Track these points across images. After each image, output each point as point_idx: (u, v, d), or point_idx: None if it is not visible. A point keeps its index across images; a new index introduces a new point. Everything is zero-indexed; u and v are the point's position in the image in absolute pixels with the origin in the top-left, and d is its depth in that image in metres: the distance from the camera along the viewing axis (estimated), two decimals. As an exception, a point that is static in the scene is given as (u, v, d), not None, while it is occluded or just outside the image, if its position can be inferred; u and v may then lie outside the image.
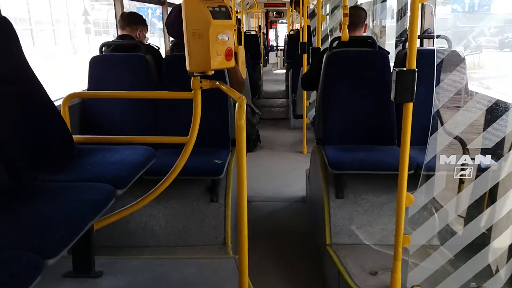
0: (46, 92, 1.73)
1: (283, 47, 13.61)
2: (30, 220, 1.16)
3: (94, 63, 2.78)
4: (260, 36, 9.98)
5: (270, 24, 16.75)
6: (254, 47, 8.68)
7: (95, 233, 1.81)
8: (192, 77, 1.77)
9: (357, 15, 2.99)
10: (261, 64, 9.43)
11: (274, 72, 13.54)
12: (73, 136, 1.83)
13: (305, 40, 4.99)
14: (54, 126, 1.71)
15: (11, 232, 1.10)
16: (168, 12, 2.93)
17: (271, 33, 17.10)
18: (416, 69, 1.68)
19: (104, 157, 1.69)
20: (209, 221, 2.50)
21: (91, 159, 1.69)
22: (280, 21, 16.87)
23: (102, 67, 2.77)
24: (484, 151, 2.06)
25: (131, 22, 2.95)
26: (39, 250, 1.01)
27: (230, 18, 1.69)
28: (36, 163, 1.56)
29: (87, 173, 1.56)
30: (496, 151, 2.13)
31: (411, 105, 1.72)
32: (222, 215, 2.50)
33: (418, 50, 1.71)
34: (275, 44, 16.76)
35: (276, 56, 14.95)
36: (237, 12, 7.87)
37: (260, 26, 11.16)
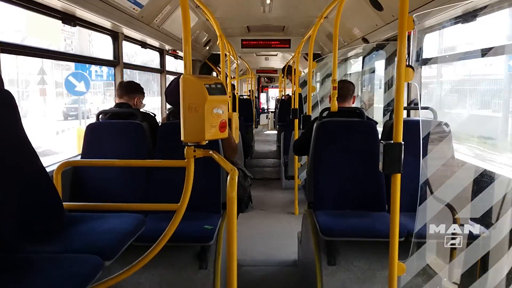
0: (40, 161, 1.76)
1: (273, 110, 14.07)
2: None
3: (90, 130, 2.84)
4: (253, 100, 10.32)
5: (262, 88, 17.46)
6: (248, 110, 8.95)
7: None
8: (186, 146, 1.82)
9: (345, 88, 3.16)
10: (253, 126, 9.67)
11: (264, 133, 13.83)
12: (64, 203, 1.84)
13: (297, 106, 5.18)
14: (46, 195, 1.73)
15: None
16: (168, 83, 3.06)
17: (262, 97, 17.76)
18: (403, 142, 1.74)
19: (94, 225, 1.69)
20: None
21: (81, 227, 1.69)
22: (271, 85, 17.61)
23: (98, 134, 2.83)
24: (473, 220, 2.09)
25: (129, 91, 3.06)
26: None
27: (225, 93, 1.78)
28: (25, 232, 1.55)
29: (76, 243, 1.55)
30: (485, 219, 2.17)
31: (399, 176, 1.77)
32: (211, 283, 2.44)
33: (404, 121, 1.79)
34: (265, 107, 17.35)
35: (266, 118, 15.38)
36: (232, 78, 8.22)
37: (252, 90, 11.57)
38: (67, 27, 2.80)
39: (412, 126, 2.37)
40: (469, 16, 2.89)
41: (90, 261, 1.37)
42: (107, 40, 3.44)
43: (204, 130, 1.71)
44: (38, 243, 1.53)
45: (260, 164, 7.99)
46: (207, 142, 1.78)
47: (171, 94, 2.87)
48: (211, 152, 1.84)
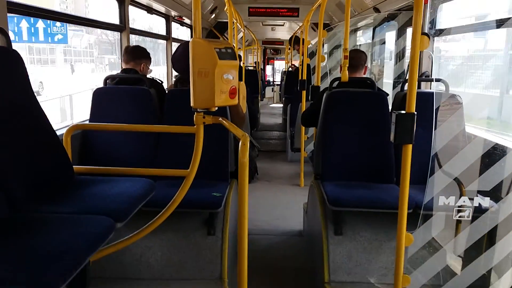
0: (49, 123, 1.75)
1: (279, 83, 13.91)
2: (27, 255, 1.14)
3: (98, 95, 2.81)
4: (258, 71, 10.19)
5: (267, 60, 17.20)
6: (253, 82, 8.85)
7: (90, 264, 1.78)
8: (195, 112, 1.79)
9: (357, 58, 3.08)
10: (259, 98, 9.60)
11: (270, 105, 13.75)
12: (74, 166, 1.84)
13: (305, 78, 5.10)
14: (56, 157, 1.72)
15: (8, 266, 1.09)
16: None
17: (268, 69, 17.53)
18: (416, 112, 1.71)
19: (104, 189, 1.69)
20: (206, 255, 2.46)
21: (91, 190, 1.69)
22: (276, 57, 17.34)
23: (105, 99, 2.80)
24: (482, 193, 2.08)
25: (136, 56, 3.01)
26: (37, 286, 1.00)
27: (235, 59, 1.73)
28: (36, 193, 1.56)
29: (86, 205, 1.55)
30: (495, 193, 2.15)
31: (410, 146, 1.75)
32: (219, 249, 2.46)
33: (417, 93, 1.75)
34: (271, 80, 17.14)
35: (272, 91, 15.24)
36: (239, 48, 8.08)
37: (258, 62, 11.42)
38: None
39: (424, 98, 2.33)
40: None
41: (103, 222, 1.38)
42: (104, 4, 3.32)
43: (214, 96, 1.67)
44: (48, 204, 1.53)
45: (265, 137, 7.97)
46: (216, 108, 1.75)
47: (178, 60, 2.81)
48: (221, 118, 1.81)
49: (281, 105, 10.43)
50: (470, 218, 2.00)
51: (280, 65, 17.13)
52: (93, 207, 1.52)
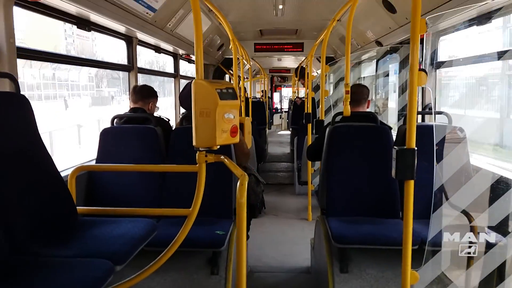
0: (54, 165, 1.79)
1: (287, 110, 14.00)
2: None
3: (105, 134, 2.88)
4: (265, 101, 10.30)
5: (275, 88, 17.37)
6: (260, 113, 8.93)
7: None
8: (198, 151, 1.82)
9: (359, 92, 3.12)
10: (266, 128, 9.65)
11: (278, 133, 13.78)
12: (78, 208, 1.86)
13: (310, 111, 5.16)
14: (60, 199, 1.75)
15: None
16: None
17: (276, 96, 17.67)
18: (416, 147, 1.72)
19: (107, 230, 1.71)
20: None
21: (93, 232, 1.70)
22: (284, 85, 17.52)
23: (112, 139, 2.87)
24: (490, 228, 2.05)
25: (144, 96, 3.09)
26: None
27: (236, 98, 1.78)
28: (39, 235, 1.58)
29: (88, 247, 1.56)
30: (502, 227, 2.12)
31: (412, 182, 1.75)
32: None
33: (418, 126, 1.76)
34: (279, 107, 17.24)
35: (280, 118, 15.32)
36: (246, 79, 8.21)
37: (265, 90, 11.55)
38: (67, 25, 2.83)
39: (426, 131, 2.35)
40: (483, 18, 2.85)
41: (102, 266, 1.38)
42: (110, 39, 3.41)
43: (215, 135, 1.71)
44: (51, 246, 1.54)
45: (273, 169, 7.97)
46: (218, 147, 1.78)
47: (185, 98, 2.88)
48: (222, 157, 1.84)
49: (289, 132, 10.46)
50: (476, 254, 1.96)
51: (288, 91, 17.28)
52: (94, 250, 1.53)
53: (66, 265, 1.38)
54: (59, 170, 1.84)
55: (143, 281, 2.40)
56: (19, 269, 1.36)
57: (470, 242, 1.93)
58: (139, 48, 3.94)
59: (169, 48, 4.82)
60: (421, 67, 2.24)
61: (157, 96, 3.22)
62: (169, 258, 1.90)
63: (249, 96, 7.41)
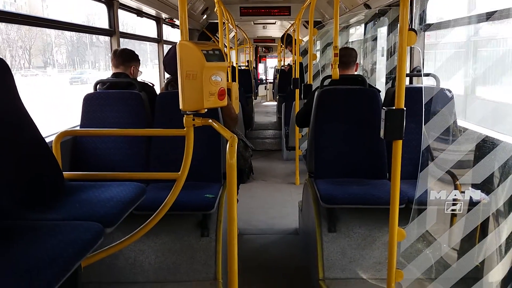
0: (38, 130, 1.74)
1: (272, 81, 13.92)
2: (15, 263, 1.14)
3: (88, 100, 2.80)
4: (251, 70, 10.19)
5: (259, 58, 17.19)
6: (247, 81, 8.85)
7: (82, 269, 1.78)
8: (185, 115, 1.79)
9: (348, 55, 3.09)
10: (253, 97, 9.60)
11: (263, 104, 13.76)
12: (64, 173, 1.83)
13: (298, 76, 5.11)
14: (45, 164, 1.72)
15: None
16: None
17: (260, 67, 17.52)
18: (405, 108, 1.72)
19: (94, 194, 1.69)
20: (200, 256, 2.46)
21: (81, 196, 1.69)
22: (268, 55, 17.34)
23: (96, 104, 2.80)
24: (474, 186, 2.09)
25: (125, 60, 2.99)
26: None
27: (223, 60, 1.73)
28: (25, 201, 1.55)
29: (76, 211, 1.55)
30: (486, 185, 2.17)
31: (400, 142, 1.76)
32: (213, 250, 2.47)
33: (407, 88, 1.76)
34: (264, 78, 17.14)
35: (265, 89, 15.25)
36: (231, 48, 8.09)
37: (250, 60, 11.41)
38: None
39: (414, 93, 2.35)
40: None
41: (91, 228, 1.38)
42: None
43: (202, 98, 1.68)
44: (38, 211, 1.53)
45: (260, 136, 7.99)
46: (206, 110, 1.75)
47: (169, 63, 2.81)
48: (210, 120, 1.82)
49: (275, 103, 10.44)
50: (461, 211, 2.01)
51: (272, 62, 17.12)
52: (83, 213, 1.52)
53: (55, 228, 1.36)
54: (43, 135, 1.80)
55: (134, 244, 2.44)
56: (6, 233, 1.35)
57: (455, 200, 1.98)
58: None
59: (152, 12, 4.67)
60: (410, 28, 2.21)
61: (139, 60, 3.14)
62: (159, 221, 1.91)
63: (235, 63, 7.29)
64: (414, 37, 1.70)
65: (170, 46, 3.49)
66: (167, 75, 3.16)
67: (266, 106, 13.04)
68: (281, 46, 10.32)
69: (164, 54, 3.02)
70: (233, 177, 1.62)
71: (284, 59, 10.52)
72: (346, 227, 2.57)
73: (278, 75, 9.25)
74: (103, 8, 3.68)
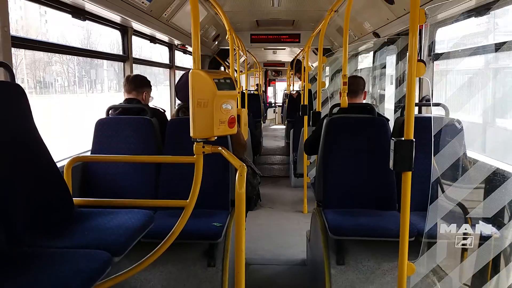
0: (50, 155, 1.77)
1: (280, 104, 14.00)
2: None
3: (100, 125, 2.84)
4: (260, 94, 10.29)
5: (269, 82, 17.36)
6: (256, 105, 8.91)
7: None
8: (195, 142, 1.81)
9: (356, 84, 3.12)
10: (261, 121, 9.63)
11: (272, 127, 13.79)
12: (74, 199, 1.84)
13: (306, 103, 5.14)
14: (56, 190, 1.73)
15: None
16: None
17: (269, 90, 17.67)
18: (414, 139, 1.71)
19: (103, 221, 1.69)
20: (206, 287, 2.43)
21: (90, 223, 1.69)
22: (277, 79, 17.50)
23: (107, 129, 2.83)
24: (485, 220, 2.06)
25: (137, 86, 3.05)
26: None
27: (234, 89, 1.75)
28: (36, 227, 1.56)
29: (85, 238, 1.55)
30: (497, 219, 2.13)
31: (409, 174, 1.74)
32: (219, 281, 2.43)
33: (415, 118, 1.76)
34: (273, 101, 17.26)
35: (274, 112, 15.31)
36: (241, 72, 8.21)
37: (260, 84, 11.53)
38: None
39: (423, 123, 2.34)
40: (482, 9, 2.83)
41: (99, 257, 1.37)
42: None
43: (213, 126, 1.69)
44: (47, 238, 1.53)
45: (269, 161, 7.97)
46: (216, 138, 1.77)
47: (181, 89, 2.86)
48: (220, 148, 1.83)
49: (283, 126, 10.45)
50: (472, 246, 1.97)
51: (281, 85, 17.25)
52: (91, 241, 1.52)
53: (64, 256, 1.36)
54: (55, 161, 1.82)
55: (140, 273, 2.41)
56: (16, 260, 1.35)
57: (466, 234, 1.94)
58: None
59: (165, 38, 4.77)
60: (419, 58, 2.22)
61: (150, 86, 3.19)
62: (166, 250, 1.90)
63: (244, 88, 7.38)
64: (423, 68, 1.72)
65: (183, 72, 3.55)
66: (178, 101, 3.21)
67: (275, 130, 13.06)
68: (291, 71, 10.44)
69: (176, 81, 3.07)
70: (242, 207, 1.61)
71: (293, 84, 10.60)
72: (355, 260, 2.52)
73: (287, 100, 9.31)
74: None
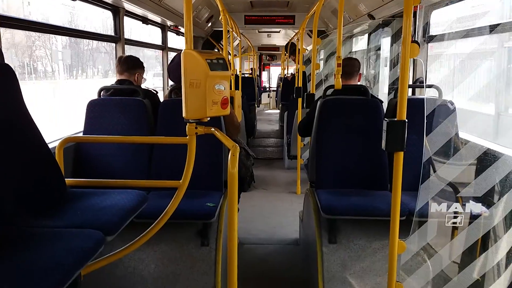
0: (42, 136, 1.75)
1: (275, 89, 13.95)
2: (15, 270, 1.14)
3: (92, 106, 2.82)
4: (254, 78, 10.24)
5: (263, 66, 17.24)
6: (250, 89, 8.88)
7: (82, 278, 1.77)
8: (187, 123, 1.80)
9: (350, 65, 3.11)
10: (256, 105, 9.61)
11: (266, 112, 13.77)
12: (66, 179, 1.84)
13: (300, 85, 5.12)
14: (48, 170, 1.73)
15: None
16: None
17: (264, 75, 17.57)
18: (407, 120, 1.72)
19: (96, 202, 1.69)
20: (200, 266, 2.46)
21: (82, 203, 1.69)
22: (272, 63, 17.40)
23: (99, 111, 2.81)
24: (475, 199, 2.09)
25: (130, 67, 3.02)
26: None
27: (227, 69, 1.74)
28: (28, 207, 1.56)
29: (78, 218, 1.55)
30: (487, 199, 2.16)
31: (401, 154, 1.76)
32: (212, 259, 2.46)
33: (409, 99, 1.77)
34: (267, 86, 17.17)
35: (268, 97, 15.28)
36: (235, 55, 8.16)
37: (254, 68, 11.48)
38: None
39: (416, 105, 2.35)
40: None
41: (92, 236, 1.38)
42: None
43: (205, 107, 1.69)
44: (40, 218, 1.53)
45: (263, 144, 7.99)
46: (209, 119, 1.76)
47: (173, 70, 2.83)
48: (213, 129, 1.82)
49: (278, 111, 10.45)
50: (462, 224, 2.00)
51: (276, 70, 17.16)
52: (84, 220, 1.52)
53: (56, 235, 1.37)
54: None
55: (133, 253, 2.43)
56: (8, 240, 1.35)
57: (456, 213, 1.97)
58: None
59: (157, 19, 4.71)
60: (413, 40, 2.22)
61: (143, 67, 3.16)
62: (159, 229, 1.91)
63: (239, 71, 7.33)
64: (416, 49, 1.72)
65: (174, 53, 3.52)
66: (170, 82, 3.18)
67: (269, 114, 13.06)
68: (285, 55, 10.37)
69: (169, 62, 3.04)
70: (234, 187, 1.62)
71: (287, 68, 10.54)
72: (346, 239, 2.56)
73: (281, 84, 9.28)
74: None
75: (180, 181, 1.89)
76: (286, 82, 8.26)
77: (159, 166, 2.76)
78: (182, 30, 5.64)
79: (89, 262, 1.33)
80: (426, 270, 2.35)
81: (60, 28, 3.02)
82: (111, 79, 3.07)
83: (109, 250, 1.88)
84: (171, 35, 5.55)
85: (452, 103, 2.69)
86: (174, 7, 4.50)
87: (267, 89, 16.44)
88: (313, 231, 2.64)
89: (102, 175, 2.58)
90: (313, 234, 2.64)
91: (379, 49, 5.32)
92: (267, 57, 16.84)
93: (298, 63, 5.73)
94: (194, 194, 2.50)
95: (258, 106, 11.78)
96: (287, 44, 9.42)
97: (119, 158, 2.77)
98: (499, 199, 2.13)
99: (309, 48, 8.98)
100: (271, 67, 17.82)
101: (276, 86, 13.57)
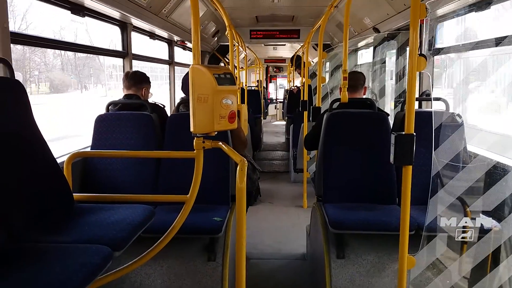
0: (50, 151, 1.77)
1: (282, 100, 13.99)
2: (25, 286, 1.14)
3: (100, 121, 2.84)
4: (261, 90, 10.28)
5: (270, 78, 17.31)
6: (256, 102, 8.91)
7: None
8: (195, 137, 1.81)
9: (356, 79, 3.12)
10: (262, 117, 9.63)
11: (273, 123, 13.77)
12: (74, 194, 1.84)
13: (306, 98, 5.13)
14: (56, 185, 1.73)
15: None
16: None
17: (271, 87, 17.62)
18: (415, 133, 1.71)
19: (103, 216, 1.69)
20: (206, 282, 2.43)
21: (90, 218, 1.69)
22: (278, 75, 17.46)
23: (107, 125, 2.84)
24: (484, 213, 2.06)
25: (137, 82, 3.05)
26: None
27: (234, 84, 1.75)
28: (36, 223, 1.56)
29: (85, 233, 1.55)
30: (497, 213, 2.13)
31: (410, 168, 1.75)
32: (219, 275, 2.44)
33: (416, 112, 1.75)
34: (274, 97, 17.21)
35: (275, 108, 15.31)
36: (241, 68, 8.19)
37: (260, 80, 11.53)
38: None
39: (424, 118, 2.34)
40: (483, 3, 2.83)
41: (100, 252, 1.38)
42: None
43: (213, 121, 1.69)
44: (48, 233, 1.53)
45: (269, 157, 7.98)
46: (216, 133, 1.77)
47: (186, 83, 2.86)
48: (220, 143, 1.83)
49: (284, 122, 10.45)
50: (472, 239, 1.97)
51: (283, 82, 17.20)
52: (92, 236, 1.52)
53: (64, 251, 1.36)
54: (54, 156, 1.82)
55: (140, 268, 2.42)
56: (17, 256, 1.35)
57: (466, 227, 1.94)
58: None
59: (164, 34, 4.76)
60: (420, 53, 2.22)
61: (149, 82, 3.19)
62: (166, 244, 1.90)
63: (244, 85, 7.37)
64: (424, 62, 1.71)
65: (181, 67, 3.54)
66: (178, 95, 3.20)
67: (276, 126, 13.05)
68: (291, 67, 10.42)
69: (182, 76, 3.06)
70: (243, 201, 1.61)
71: (293, 80, 10.58)
72: (355, 254, 2.53)
73: (287, 96, 9.30)
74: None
75: (187, 195, 1.88)
76: (291, 95, 8.28)
77: (166, 180, 2.77)
78: (188, 45, 5.71)
79: (97, 277, 1.32)
80: (436, 285, 2.31)
81: (68, 44, 3.06)
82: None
83: (116, 265, 1.88)
84: (177, 50, 5.61)
85: (460, 116, 2.68)
86: (181, 22, 4.56)
87: (274, 100, 16.47)
88: (321, 245, 2.62)
89: (109, 189, 2.59)
90: (321, 248, 2.61)
91: (385, 62, 5.34)
92: (274, 69, 16.92)
93: (303, 77, 5.75)
94: (201, 209, 2.49)
95: (265, 118, 11.80)
96: (292, 57, 9.47)
97: (126, 172, 2.78)
98: (509, 213, 2.10)
99: (315, 60, 9.03)
100: (278, 79, 17.88)
101: (282, 98, 13.59)
